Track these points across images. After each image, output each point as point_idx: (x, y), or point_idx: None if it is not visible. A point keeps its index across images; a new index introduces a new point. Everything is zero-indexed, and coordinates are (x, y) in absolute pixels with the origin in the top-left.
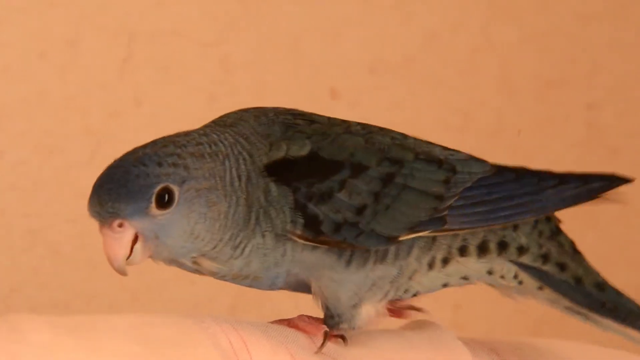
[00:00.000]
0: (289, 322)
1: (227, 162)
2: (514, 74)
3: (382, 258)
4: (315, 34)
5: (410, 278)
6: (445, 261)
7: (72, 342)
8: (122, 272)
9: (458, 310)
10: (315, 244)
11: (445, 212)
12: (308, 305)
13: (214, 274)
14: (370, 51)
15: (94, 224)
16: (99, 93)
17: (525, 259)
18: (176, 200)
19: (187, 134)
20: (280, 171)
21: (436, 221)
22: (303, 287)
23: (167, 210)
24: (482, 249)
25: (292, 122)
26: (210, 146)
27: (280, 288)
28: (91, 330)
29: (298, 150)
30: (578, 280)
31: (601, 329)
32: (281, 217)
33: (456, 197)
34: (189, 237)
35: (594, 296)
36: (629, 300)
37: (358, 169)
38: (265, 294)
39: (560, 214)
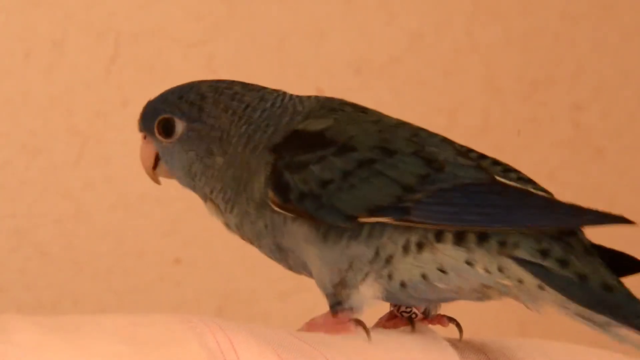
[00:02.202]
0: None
1: (243, 128)
2: (499, 74)
3: (356, 235)
4: (301, 34)
5: (387, 261)
6: (420, 246)
7: (59, 342)
8: (151, 178)
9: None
10: (285, 212)
11: (410, 204)
12: (297, 305)
13: (228, 228)
14: (356, 51)
15: (80, 224)
16: (85, 93)
17: (520, 253)
18: (177, 134)
19: (258, 89)
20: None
21: (398, 210)
22: (300, 265)
23: (169, 140)
24: (460, 238)
25: (340, 108)
26: (246, 107)
27: (290, 267)
28: (78, 331)
29: (317, 124)
30: (583, 278)
31: (620, 341)
32: (259, 183)
33: (428, 193)
34: (187, 172)
35: (598, 295)
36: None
37: (345, 150)
38: (252, 295)
39: None
